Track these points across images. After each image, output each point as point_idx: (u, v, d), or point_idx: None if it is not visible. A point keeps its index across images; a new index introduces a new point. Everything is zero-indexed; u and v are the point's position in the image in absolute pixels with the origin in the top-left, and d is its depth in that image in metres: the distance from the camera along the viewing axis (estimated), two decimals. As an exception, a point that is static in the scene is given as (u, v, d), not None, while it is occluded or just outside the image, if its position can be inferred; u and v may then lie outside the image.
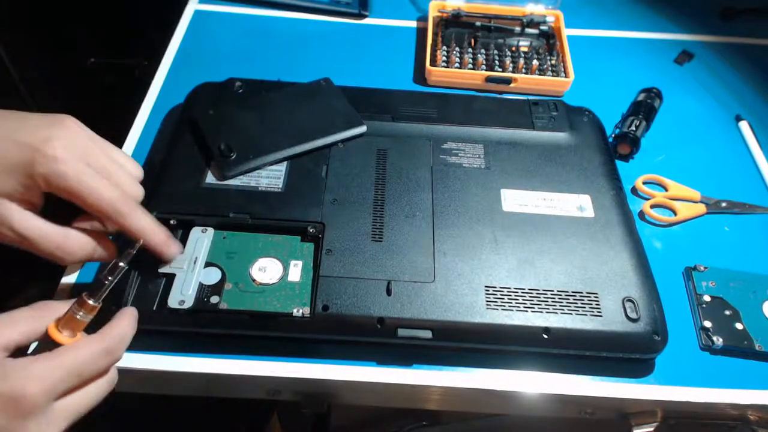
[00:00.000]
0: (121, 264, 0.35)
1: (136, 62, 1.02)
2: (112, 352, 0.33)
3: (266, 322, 0.42)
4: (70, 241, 0.38)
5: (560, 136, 0.55)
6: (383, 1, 0.76)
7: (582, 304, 0.43)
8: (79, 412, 0.32)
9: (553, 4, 0.72)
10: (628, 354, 0.43)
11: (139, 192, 0.40)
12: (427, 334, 0.41)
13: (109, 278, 0.34)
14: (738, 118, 0.64)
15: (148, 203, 0.47)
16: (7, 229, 0.36)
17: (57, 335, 0.33)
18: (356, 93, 0.57)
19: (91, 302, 0.34)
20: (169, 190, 0.48)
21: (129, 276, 0.42)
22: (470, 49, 0.67)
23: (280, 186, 0.49)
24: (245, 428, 0.76)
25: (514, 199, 0.49)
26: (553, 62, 0.66)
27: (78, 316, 0.34)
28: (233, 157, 0.49)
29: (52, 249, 0.37)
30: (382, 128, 0.54)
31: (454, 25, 0.70)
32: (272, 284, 0.43)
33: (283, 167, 0.50)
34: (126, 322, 0.35)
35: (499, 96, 0.63)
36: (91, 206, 0.36)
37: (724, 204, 0.55)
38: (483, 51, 0.67)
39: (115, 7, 1.00)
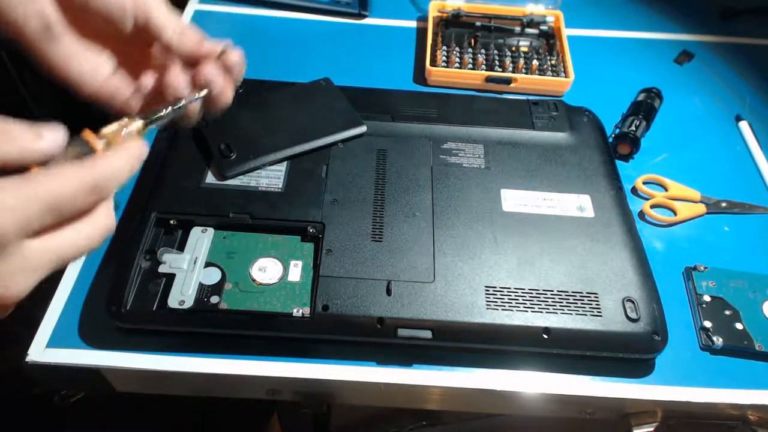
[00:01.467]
0: (185, 101, 0.33)
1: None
2: (98, 188, 0.28)
3: (266, 322, 0.42)
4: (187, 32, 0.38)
5: (560, 136, 0.55)
6: (383, 1, 0.76)
7: (582, 304, 0.43)
8: (60, 258, 0.27)
9: (553, 4, 0.72)
10: (628, 354, 0.43)
11: None
12: (427, 334, 0.41)
13: (170, 108, 0.32)
14: (738, 118, 0.64)
15: (148, 203, 0.47)
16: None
17: (93, 140, 0.29)
18: (356, 93, 0.57)
19: (140, 120, 0.31)
20: (169, 190, 0.48)
21: (129, 274, 0.42)
22: (470, 49, 0.67)
23: (280, 186, 0.49)
24: (245, 428, 0.76)
25: (514, 199, 0.49)
26: (553, 62, 0.66)
27: (124, 130, 0.30)
28: (233, 157, 0.49)
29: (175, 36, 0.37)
30: (382, 128, 0.54)
31: (454, 25, 0.70)
32: (272, 284, 0.43)
33: (283, 167, 0.50)
34: (120, 156, 0.29)
35: (499, 96, 0.63)
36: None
37: (724, 204, 0.55)
38: (483, 51, 0.67)
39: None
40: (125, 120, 0.31)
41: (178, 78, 0.37)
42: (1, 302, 0.26)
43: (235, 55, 0.39)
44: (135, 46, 0.38)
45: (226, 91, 0.39)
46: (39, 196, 0.25)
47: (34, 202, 0.25)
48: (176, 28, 0.37)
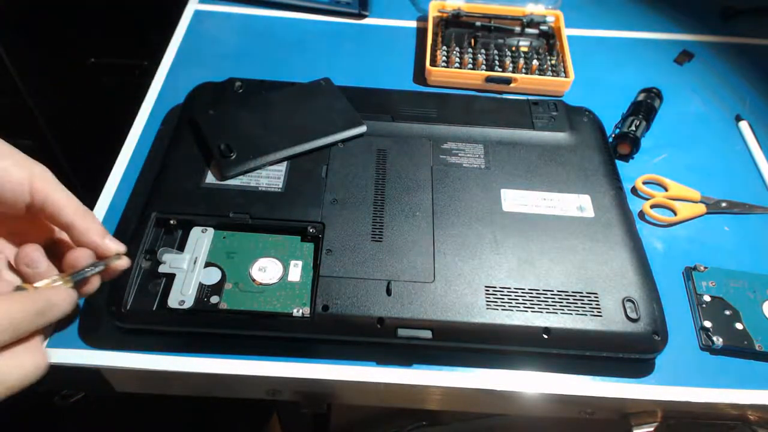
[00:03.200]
0: (102, 266, 0.36)
1: (136, 62, 1.02)
2: (44, 313, 0.32)
3: (266, 322, 0.42)
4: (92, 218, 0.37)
5: (560, 136, 0.55)
6: (383, 1, 0.76)
7: (582, 304, 0.43)
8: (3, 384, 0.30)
9: (553, 4, 0.72)
10: (628, 354, 0.43)
11: None
12: (427, 334, 0.41)
13: (92, 268, 0.36)
14: (738, 118, 0.64)
15: (148, 203, 0.47)
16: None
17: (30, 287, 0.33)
18: (356, 93, 0.57)
19: (69, 278, 0.35)
20: (169, 190, 0.48)
21: (129, 275, 0.42)
22: (470, 49, 0.67)
23: (280, 186, 0.49)
24: (245, 428, 0.77)
25: (514, 199, 0.50)
26: (553, 62, 0.66)
27: (52, 279, 0.35)
28: (233, 157, 0.49)
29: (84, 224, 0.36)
30: (382, 128, 0.54)
31: (454, 25, 0.70)
32: (272, 284, 0.44)
33: (283, 167, 0.50)
34: (60, 291, 0.34)
35: (499, 96, 0.63)
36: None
37: (724, 204, 0.55)
38: (483, 51, 0.67)
39: (115, 7, 1.00)
40: (55, 277, 0.35)
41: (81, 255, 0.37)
42: None
43: (122, 265, 0.38)
44: (19, 221, 0.37)
45: (93, 282, 0.38)
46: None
47: None
48: (76, 210, 0.36)
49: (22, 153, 0.36)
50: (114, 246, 0.37)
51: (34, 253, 0.35)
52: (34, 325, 0.31)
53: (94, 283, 0.37)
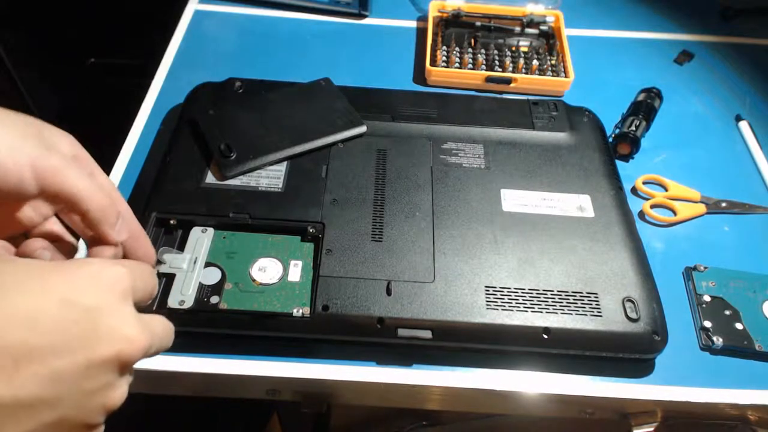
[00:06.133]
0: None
1: (136, 62, 1.02)
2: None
3: (266, 322, 0.42)
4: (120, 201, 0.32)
5: (560, 136, 0.55)
6: (383, 1, 0.76)
7: (582, 304, 0.43)
8: (156, 333, 0.29)
9: (553, 4, 0.72)
10: (628, 354, 0.43)
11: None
12: (427, 334, 0.41)
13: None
14: (738, 118, 0.64)
15: (148, 203, 0.47)
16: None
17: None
18: (356, 93, 0.57)
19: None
20: (169, 189, 0.48)
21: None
22: (470, 49, 0.67)
23: (280, 186, 0.49)
24: (245, 428, 0.77)
25: (514, 199, 0.49)
26: (553, 62, 0.66)
27: None
28: (233, 157, 0.49)
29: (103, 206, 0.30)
30: (382, 128, 0.54)
31: (454, 25, 0.70)
32: (272, 284, 0.43)
33: (283, 167, 0.50)
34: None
35: (499, 96, 0.63)
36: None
37: (724, 204, 0.55)
38: (483, 51, 0.67)
39: (115, 7, 1.00)
40: None
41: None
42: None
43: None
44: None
45: None
46: (163, 329, 0.29)
47: (159, 335, 0.29)
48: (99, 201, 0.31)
49: (34, 128, 0.31)
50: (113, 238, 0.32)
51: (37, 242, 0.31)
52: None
53: None
